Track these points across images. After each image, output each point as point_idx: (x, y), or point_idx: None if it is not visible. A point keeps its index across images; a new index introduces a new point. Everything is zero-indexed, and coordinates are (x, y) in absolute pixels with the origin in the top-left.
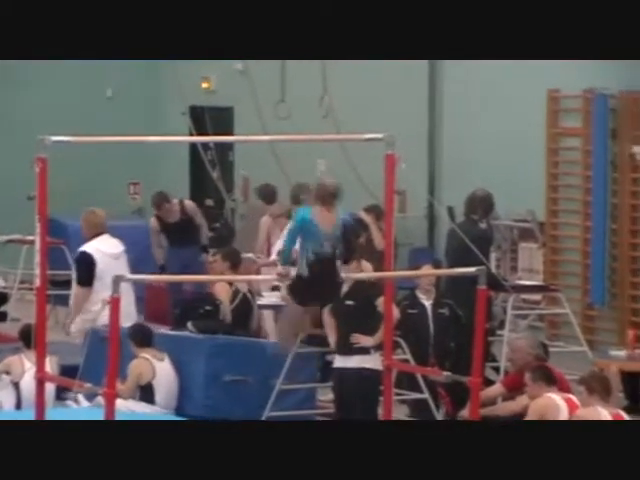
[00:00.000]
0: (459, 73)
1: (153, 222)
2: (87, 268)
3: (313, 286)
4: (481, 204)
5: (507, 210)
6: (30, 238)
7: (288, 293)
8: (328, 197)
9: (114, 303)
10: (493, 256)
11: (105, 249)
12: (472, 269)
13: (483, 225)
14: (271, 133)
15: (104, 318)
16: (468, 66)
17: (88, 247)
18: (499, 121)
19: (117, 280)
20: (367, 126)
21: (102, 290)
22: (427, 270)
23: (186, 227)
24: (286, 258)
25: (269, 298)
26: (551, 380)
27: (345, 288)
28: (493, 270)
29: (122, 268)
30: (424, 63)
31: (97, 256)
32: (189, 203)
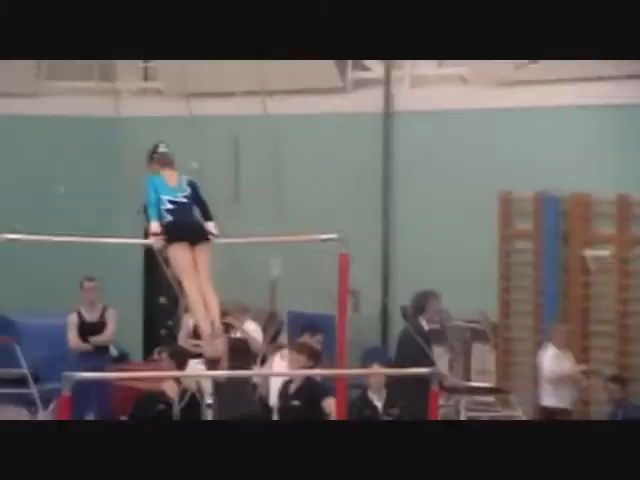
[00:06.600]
0: (413, 173)
1: (72, 317)
2: None
3: None
4: (420, 303)
5: (459, 311)
6: None
7: None
8: (167, 160)
9: (64, 402)
10: (446, 357)
11: None
12: (424, 369)
13: (428, 325)
14: (224, 232)
15: None
16: (421, 166)
17: None
18: (452, 222)
19: (67, 378)
20: (322, 225)
21: None
22: (376, 368)
23: (100, 331)
24: (156, 212)
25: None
26: None
27: (292, 389)
28: (444, 371)
29: None
30: (378, 164)
31: None
32: (112, 310)
